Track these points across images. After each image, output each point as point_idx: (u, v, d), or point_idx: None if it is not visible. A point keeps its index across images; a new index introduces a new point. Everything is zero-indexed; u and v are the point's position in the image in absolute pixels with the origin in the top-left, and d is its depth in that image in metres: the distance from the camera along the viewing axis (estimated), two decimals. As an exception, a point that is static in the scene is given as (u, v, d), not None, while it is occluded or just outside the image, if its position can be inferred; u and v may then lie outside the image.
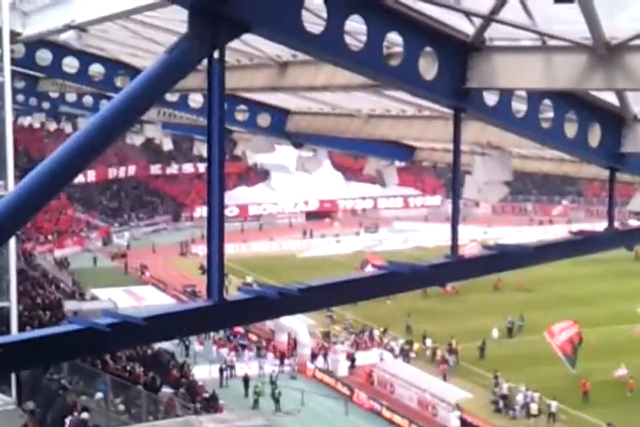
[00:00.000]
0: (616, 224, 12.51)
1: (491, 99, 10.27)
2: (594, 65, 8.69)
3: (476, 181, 13.67)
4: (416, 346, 48.83)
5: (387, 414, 40.07)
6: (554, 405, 38.91)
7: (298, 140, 18.86)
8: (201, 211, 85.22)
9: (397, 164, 19.73)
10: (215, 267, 7.66)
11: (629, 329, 45.71)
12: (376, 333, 51.24)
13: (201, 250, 64.67)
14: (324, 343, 49.89)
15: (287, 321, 48.20)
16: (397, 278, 10.44)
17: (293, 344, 48.99)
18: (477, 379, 44.17)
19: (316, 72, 12.14)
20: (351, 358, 46.99)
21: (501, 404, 40.49)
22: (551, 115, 11.07)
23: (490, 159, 13.50)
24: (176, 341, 45.24)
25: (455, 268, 11.00)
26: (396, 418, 39.45)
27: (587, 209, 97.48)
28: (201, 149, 23.69)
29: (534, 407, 39.27)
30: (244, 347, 48.90)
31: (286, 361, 47.31)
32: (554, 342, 43.28)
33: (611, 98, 11.19)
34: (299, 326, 49.29)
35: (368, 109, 16.11)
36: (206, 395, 36.44)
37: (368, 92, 13.38)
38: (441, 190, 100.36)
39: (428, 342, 49.02)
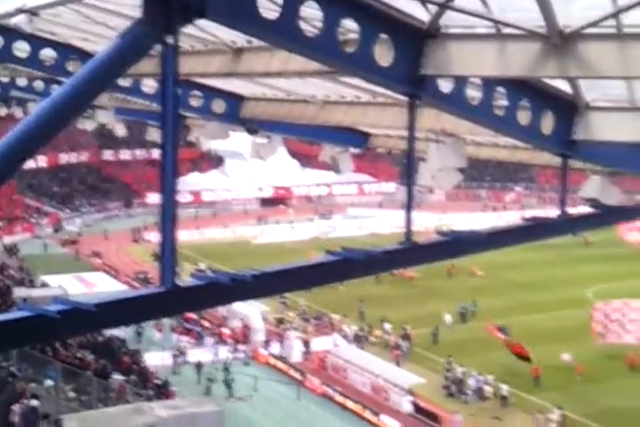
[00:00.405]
0: (568, 210, 12.66)
1: (445, 86, 10.31)
2: (547, 53, 8.76)
3: (431, 167, 13.71)
4: (377, 332, 48.99)
5: (339, 399, 40.24)
6: (505, 388, 39.37)
7: (252, 127, 18.76)
8: (154, 197, 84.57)
9: (352, 150, 19.72)
10: (168, 253, 7.62)
11: (579, 314, 46.34)
12: (334, 318, 51.30)
13: (153, 237, 64.20)
14: (278, 330, 49.95)
15: (240, 307, 48.15)
16: (351, 264, 10.48)
17: (247, 331, 48.91)
18: (430, 364, 44.53)
19: (271, 58, 12.08)
20: (305, 343, 47.09)
21: (454, 388, 40.86)
22: (505, 102, 11.15)
23: (444, 146, 13.54)
24: (130, 328, 44.96)
25: (409, 254, 11.07)
26: (349, 403, 39.66)
27: (539, 196, 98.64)
28: (154, 134, 23.45)
29: (488, 390, 39.68)
30: (200, 334, 48.72)
31: (240, 347, 47.26)
32: (500, 338, 43.61)
33: (563, 86, 11.30)
34: (252, 313, 49.26)
35: (323, 96, 16.07)
36: (158, 382, 36.34)
37: (323, 78, 13.35)
38: (396, 177, 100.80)
39: (387, 326, 49.18)
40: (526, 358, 40.32)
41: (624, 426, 36.22)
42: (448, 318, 50.88)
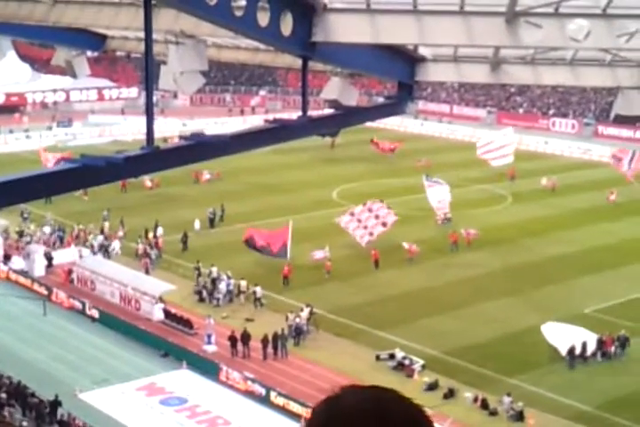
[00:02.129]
0: (311, 113, 12.77)
1: (182, -16, 9.90)
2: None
3: (172, 71, 13.31)
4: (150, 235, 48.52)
5: (88, 311, 39.63)
6: (258, 290, 40.19)
7: (-24, 28, 17.36)
8: None
9: (89, 53, 18.82)
10: None
11: (327, 214, 47.96)
12: (78, 229, 49.89)
13: None
14: (17, 244, 48.01)
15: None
16: (92, 172, 10.06)
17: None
18: (181, 271, 44.70)
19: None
20: (48, 257, 45.56)
21: (205, 293, 41.29)
22: (244, 3, 10.90)
23: (184, 48, 13.13)
24: None
25: (152, 159, 10.77)
26: (94, 312, 39.17)
27: (284, 99, 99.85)
28: None
29: (259, 291, 40.28)
30: None
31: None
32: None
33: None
34: (-10, 227, 46.97)
35: (52, -6, 15.06)
36: None
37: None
38: (137, 81, 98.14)
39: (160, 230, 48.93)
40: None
41: (365, 319, 38.34)
42: (196, 224, 51.02)
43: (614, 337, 35.48)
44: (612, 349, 35.28)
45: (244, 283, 41.07)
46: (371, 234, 46.31)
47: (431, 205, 52.08)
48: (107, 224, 50.69)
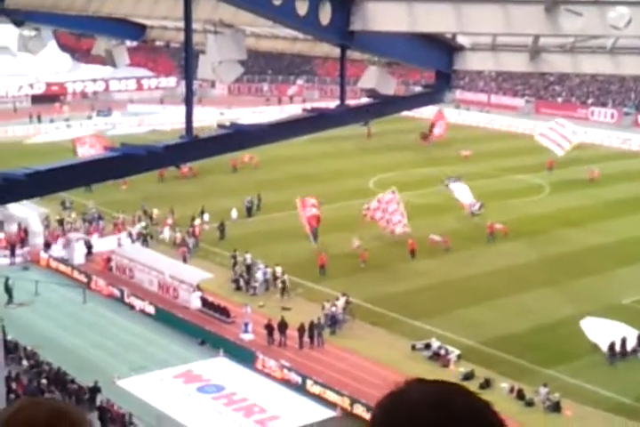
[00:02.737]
0: (348, 102, 12.79)
1: (222, -27, 9.95)
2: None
3: (211, 60, 13.37)
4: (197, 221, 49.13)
5: (127, 299, 40.02)
6: (286, 279, 40.27)
7: (18, 18, 17.52)
8: None
9: (128, 43, 18.96)
10: None
11: (364, 203, 47.79)
12: (118, 217, 50.38)
13: None
14: (58, 232, 48.54)
15: (16, 210, 46.11)
16: (132, 160, 10.18)
17: (24, 234, 47.16)
18: (218, 259, 44.96)
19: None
20: (88, 245, 46.06)
21: (242, 282, 41.49)
22: (283, -9, 10.93)
23: (223, 38, 13.19)
24: None
25: (190, 148, 10.86)
26: (137, 302, 39.53)
27: (321, 88, 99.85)
28: None
29: (277, 282, 40.52)
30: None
31: (18, 252, 45.59)
32: (304, 214, 44.84)
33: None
34: (29, 215, 47.45)
35: (93, -16, 15.19)
36: None
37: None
38: (175, 71, 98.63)
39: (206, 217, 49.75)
40: None
41: (400, 308, 38.33)
42: (234, 213, 51.26)
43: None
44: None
45: (279, 269, 41.25)
46: (405, 226, 46.02)
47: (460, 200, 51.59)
48: (155, 211, 51.19)
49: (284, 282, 40.41)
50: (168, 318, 37.84)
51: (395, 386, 2.22)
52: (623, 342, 33.83)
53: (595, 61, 14.53)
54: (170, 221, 49.54)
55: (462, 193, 51.56)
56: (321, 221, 45.81)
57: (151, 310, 38.70)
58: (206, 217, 49.98)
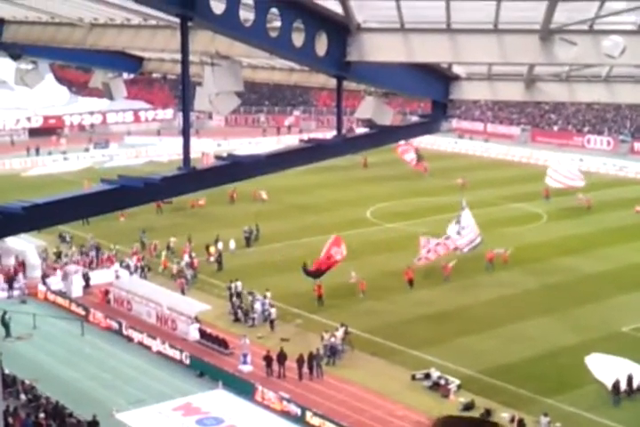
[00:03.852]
0: (344, 132, 12.82)
1: (218, 7, 10.01)
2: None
3: (207, 92, 13.42)
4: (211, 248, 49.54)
5: (125, 331, 39.81)
6: (273, 312, 40.12)
7: (15, 52, 17.63)
8: None
9: (125, 76, 19.05)
10: None
11: (361, 233, 47.81)
12: (115, 249, 50.30)
13: None
14: (55, 265, 48.40)
15: (14, 243, 46.05)
16: (129, 193, 10.17)
17: (22, 267, 47.03)
18: (216, 291, 44.82)
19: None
20: (85, 277, 45.92)
21: (240, 313, 41.33)
22: (279, 24, 10.99)
23: (220, 69, 13.24)
24: None
25: (188, 179, 10.86)
26: (135, 334, 39.32)
27: (317, 119, 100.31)
28: None
29: (273, 312, 40.37)
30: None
31: (15, 285, 45.45)
32: (329, 252, 43.70)
33: (335, 7, 11.27)
34: (27, 248, 47.39)
35: (91, 18, 15.29)
36: None
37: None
38: (173, 103, 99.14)
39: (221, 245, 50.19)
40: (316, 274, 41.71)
41: (399, 338, 38.18)
42: (232, 243, 51.23)
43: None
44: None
45: (269, 294, 41.40)
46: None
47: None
48: (173, 239, 51.35)
49: (269, 314, 40.32)
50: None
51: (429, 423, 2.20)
52: (629, 379, 32.93)
53: (590, 90, 14.60)
54: (187, 249, 49.55)
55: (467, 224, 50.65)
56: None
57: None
58: (220, 245, 50.24)
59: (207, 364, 35.96)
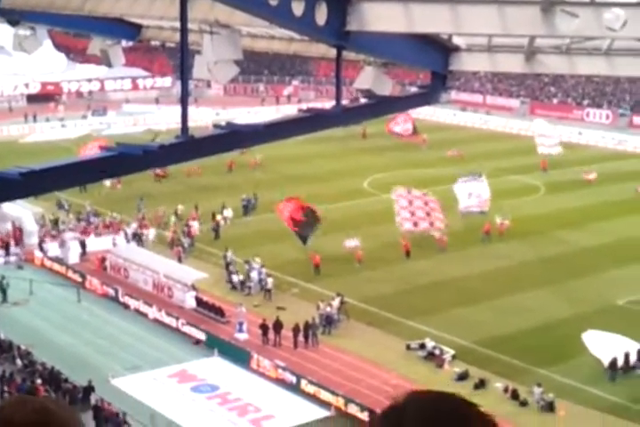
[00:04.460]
0: (343, 102, 12.79)
1: (218, -27, 9.96)
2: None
3: (206, 60, 13.36)
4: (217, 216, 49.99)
5: (121, 299, 39.98)
6: (270, 281, 40.32)
7: (13, 17, 17.49)
8: None
9: (124, 43, 18.94)
10: None
11: (359, 204, 47.76)
12: (113, 217, 50.33)
13: None
14: (53, 231, 48.43)
15: (11, 209, 46.07)
16: (128, 160, 10.17)
17: (19, 233, 47.11)
18: (214, 259, 44.93)
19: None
20: (82, 244, 45.99)
21: (237, 281, 41.47)
22: (279, -8, 10.93)
23: (219, 38, 13.17)
24: None
25: (186, 148, 10.86)
26: (131, 301, 39.50)
27: (317, 89, 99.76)
28: None
29: (270, 282, 40.48)
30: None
31: (12, 250, 45.53)
32: (283, 218, 44.59)
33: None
34: (24, 214, 47.40)
35: (89, -17, 15.17)
36: None
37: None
38: (171, 71, 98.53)
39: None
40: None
41: (395, 308, 38.36)
42: (229, 212, 51.34)
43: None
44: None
45: (258, 260, 41.82)
46: (415, 224, 45.83)
47: (459, 202, 51.00)
48: (180, 207, 51.74)
49: (266, 283, 40.51)
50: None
51: (394, 400, 2.23)
52: (626, 356, 32.82)
53: (590, 63, 14.55)
54: (194, 215, 50.14)
55: (472, 190, 50.39)
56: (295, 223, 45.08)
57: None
58: (226, 212, 50.91)
59: (203, 331, 36.09)
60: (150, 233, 48.08)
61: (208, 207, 51.28)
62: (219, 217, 50.39)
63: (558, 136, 65.17)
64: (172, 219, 50.01)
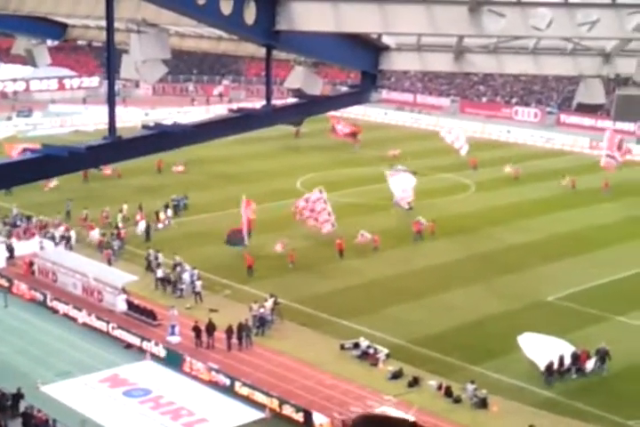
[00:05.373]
0: (274, 102, 12.71)
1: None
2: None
3: (134, 60, 13.15)
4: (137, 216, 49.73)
5: (50, 303, 39.21)
6: (198, 284, 39.95)
7: None
8: None
9: (49, 42, 18.58)
10: None
11: (292, 204, 47.65)
12: (41, 220, 49.39)
13: None
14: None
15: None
16: (54, 162, 9.94)
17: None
18: (144, 262, 44.32)
19: None
20: (9, 248, 45.00)
21: (167, 284, 41.02)
22: (207, -10, 10.79)
23: (146, 37, 12.97)
24: None
25: (114, 149, 10.65)
26: (60, 306, 38.74)
27: (247, 88, 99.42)
28: None
29: (199, 284, 40.13)
30: None
31: None
32: (245, 214, 44.64)
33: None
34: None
35: (12, -18, 14.83)
36: None
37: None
38: (99, 71, 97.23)
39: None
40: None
41: (329, 308, 38.39)
42: (170, 212, 51.06)
43: (588, 352, 32.96)
44: (590, 364, 32.86)
45: (178, 258, 42.02)
46: (333, 225, 46.11)
47: (394, 194, 52.05)
48: (125, 207, 51.12)
49: (195, 286, 40.18)
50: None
51: (344, 423, 2.18)
52: (560, 359, 32.64)
53: (518, 62, 14.71)
54: (138, 216, 49.71)
55: (402, 185, 51.43)
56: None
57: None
58: (170, 212, 50.90)
59: (134, 335, 35.59)
60: (95, 234, 47.31)
61: (148, 208, 50.69)
62: (162, 216, 50.33)
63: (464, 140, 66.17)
64: (119, 217, 49.38)
